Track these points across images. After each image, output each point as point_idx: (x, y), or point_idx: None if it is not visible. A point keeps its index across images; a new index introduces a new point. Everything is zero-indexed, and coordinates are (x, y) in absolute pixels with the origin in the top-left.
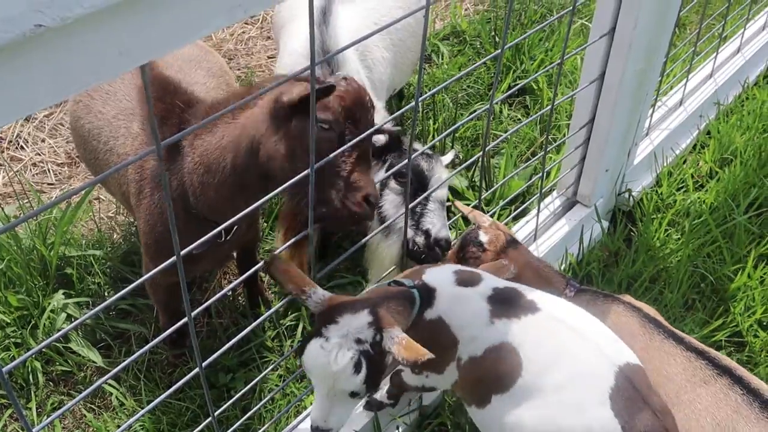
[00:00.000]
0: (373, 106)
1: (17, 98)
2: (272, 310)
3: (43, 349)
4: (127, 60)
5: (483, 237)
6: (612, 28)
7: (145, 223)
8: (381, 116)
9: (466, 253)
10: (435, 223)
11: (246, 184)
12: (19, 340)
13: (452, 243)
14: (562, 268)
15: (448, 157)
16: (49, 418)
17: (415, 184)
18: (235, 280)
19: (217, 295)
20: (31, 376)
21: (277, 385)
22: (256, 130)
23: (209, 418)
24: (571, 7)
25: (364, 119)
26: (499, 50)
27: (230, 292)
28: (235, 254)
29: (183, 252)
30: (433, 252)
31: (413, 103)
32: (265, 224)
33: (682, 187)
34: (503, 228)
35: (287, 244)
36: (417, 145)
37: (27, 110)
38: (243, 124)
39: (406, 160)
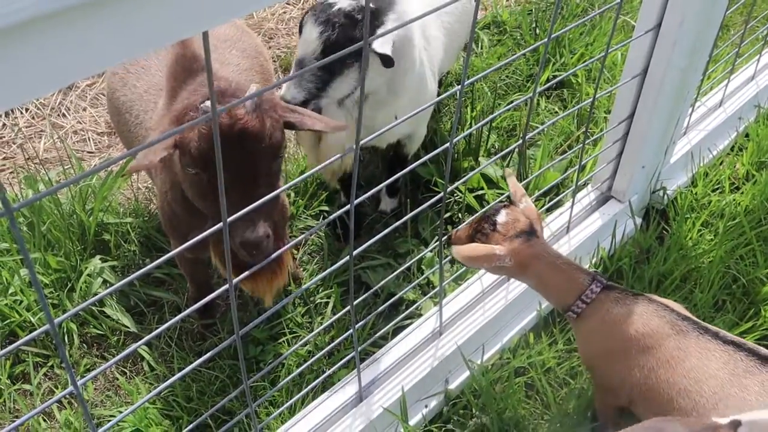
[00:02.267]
0: (253, 130)
1: (83, 58)
2: (304, 287)
3: (79, 312)
4: (186, 26)
5: (500, 217)
6: (658, 24)
7: (158, 201)
8: (433, 94)
9: (479, 226)
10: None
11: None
12: (56, 302)
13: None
14: (593, 262)
15: None
16: (86, 378)
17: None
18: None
19: (248, 272)
20: (66, 337)
21: (305, 360)
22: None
23: (239, 388)
24: (618, 1)
25: (233, 153)
26: (544, 40)
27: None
28: None
29: (192, 242)
30: None
31: (456, 89)
32: (301, 201)
33: (717, 188)
34: (533, 214)
35: (243, 275)
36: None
37: (87, 72)
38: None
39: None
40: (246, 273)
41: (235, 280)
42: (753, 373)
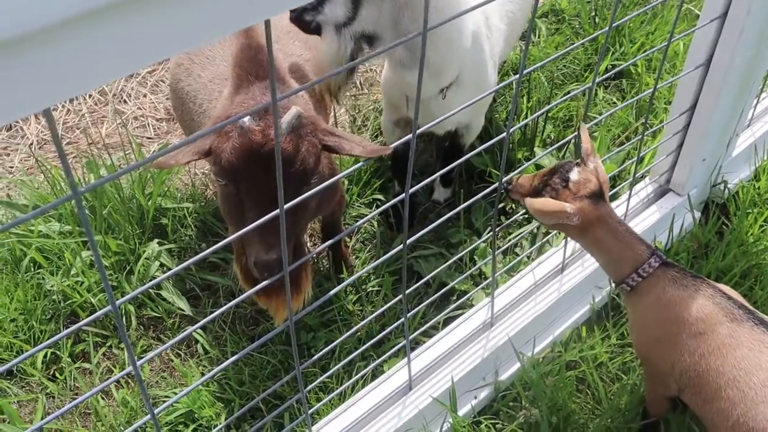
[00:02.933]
0: (284, 153)
1: (158, 43)
2: (356, 275)
3: (137, 294)
4: (255, 11)
5: (573, 174)
6: (724, 13)
7: (219, 189)
8: (493, 84)
9: (549, 179)
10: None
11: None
12: (115, 284)
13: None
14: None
15: None
16: (145, 358)
17: None
18: (321, 244)
19: (303, 259)
20: (124, 319)
21: (356, 348)
22: None
23: (291, 373)
24: None
25: (261, 173)
26: (604, 29)
27: (315, 255)
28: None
29: (242, 232)
30: None
31: (514, 77)
32: (355, 188)
33: None
34: (602, 176)
35: (256, 288)
36: None
37: (161, 56)
38: None
39: None
40: (257, 287)
41: (246, 294)
42: None
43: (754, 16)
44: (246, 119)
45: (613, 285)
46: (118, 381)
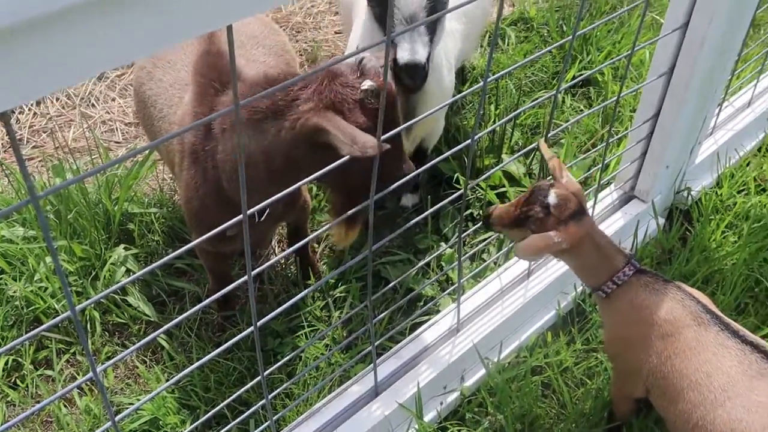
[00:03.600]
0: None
1: (114, 49)
2: (322, 280)
3: (102, 300)
4: (216, 18)
5: (552, 199)
6: (686, 23)
7: (184, 195)
8: (450, 87)
9: (530, 210)
10: (402, 46)
11: (279, 178)
12: (80, 290)
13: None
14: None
15: None
16: (105, 364)
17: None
18: (286, 250)
19: (269, 262)
20: (88, 325)
21: (322, 354)
22: (291, 148)
23: (256, 379)
24: None
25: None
26: (569, 38)
27: (282, 261)
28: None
29: (211, 233)
30: (406, 82)
31: (480, 84)
32: (323, 194)
33: (743, 190)
34: (577, 189)
35: (337, 220)
36: None
37: (121, 61)
38: (277, 137)
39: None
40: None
41: (212, 299)
42: (764, 375)
43: (715, 27)
44: (368, 83)
45: (588, 291)
46: (80, 388)
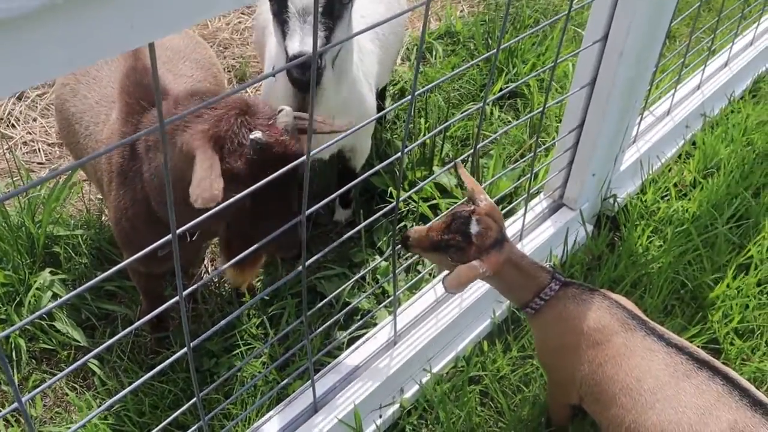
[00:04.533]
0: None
1: (30, 67)
2: (257, 297)
3: (27, 327)
4: (137, 35)
5: (474, 227)
6: (605, 35)
7: (113, 215)
8: (372, 106)
9: (451, 239)
10: (290, 37)
11: None
12: (3, 317)
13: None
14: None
15: None
16: (32, 393)
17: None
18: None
19: (202, 281)
20: (14, 353)
21: (259, 372)
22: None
23: (192, 400)
24: (566, 12)
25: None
26: (494, 51)
27: (216, 279)
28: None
29: (141, 253)
30: (295, 75)
31: (408, 98)
32: None
33: (665, 196)
34: (496, 213)
35: (230, 262)
36: None
37: (38, 80)
38: (180, 152)
39: None
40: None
41: (148, 317)
42: (690, 376)
43: (633, 39)
44: (255, 135)
45: (516, 309)
46: (7, 419)
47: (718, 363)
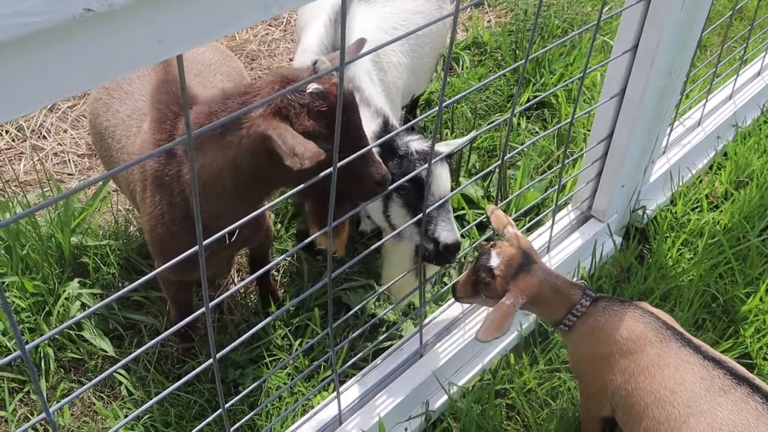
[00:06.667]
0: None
1: (61, 79)
2: (283, 308)
3: (56, 336)
4: (164, 48)
5: (494, 260)
6: (635, 45)
7: (148, 223)
8: (387, 120)
9: (478, 278)
10: (442, 228)
11: (248, 192)
12: (33, 326)
13: (460, 247)
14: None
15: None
16: (60, 403)
17: (415, 194)
18: (248, 278)
19: (229, 291)
20: (42, 362)
21: (285, 383)
22: (251, 157)
23: (217, 411)
24: (596, 22)
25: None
26: (522, 61)
27: (242, 290)
28: (249, 254)
29: (179, 258)
30: (442, 257)
31: (435, 109)
32: (280, 225)
33: (696, 207)
34: (523, 241)
35: (319, 232)
36: (442, 147)
37: (68, 92)
38: (239, 147)
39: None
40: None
41: (179, 325)
42: (727, 392)
43: (663, 48)
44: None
45: (551, 328)
46: (36, 429)
47: (759, 380)
